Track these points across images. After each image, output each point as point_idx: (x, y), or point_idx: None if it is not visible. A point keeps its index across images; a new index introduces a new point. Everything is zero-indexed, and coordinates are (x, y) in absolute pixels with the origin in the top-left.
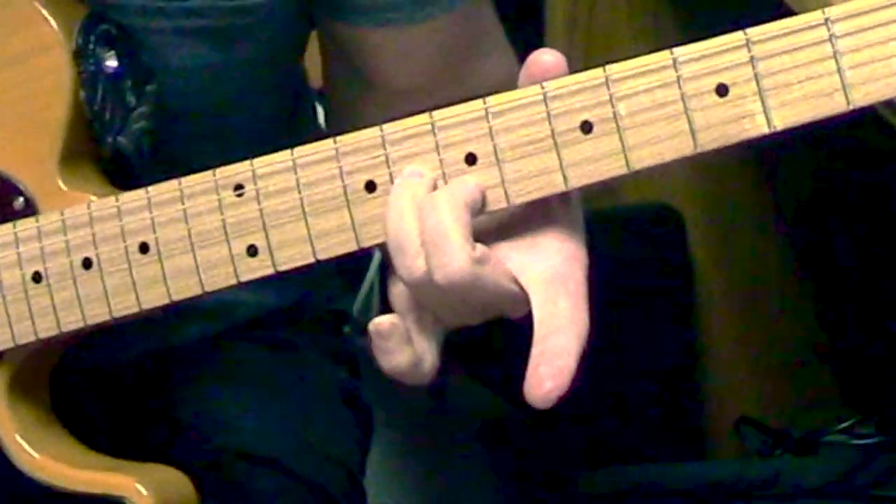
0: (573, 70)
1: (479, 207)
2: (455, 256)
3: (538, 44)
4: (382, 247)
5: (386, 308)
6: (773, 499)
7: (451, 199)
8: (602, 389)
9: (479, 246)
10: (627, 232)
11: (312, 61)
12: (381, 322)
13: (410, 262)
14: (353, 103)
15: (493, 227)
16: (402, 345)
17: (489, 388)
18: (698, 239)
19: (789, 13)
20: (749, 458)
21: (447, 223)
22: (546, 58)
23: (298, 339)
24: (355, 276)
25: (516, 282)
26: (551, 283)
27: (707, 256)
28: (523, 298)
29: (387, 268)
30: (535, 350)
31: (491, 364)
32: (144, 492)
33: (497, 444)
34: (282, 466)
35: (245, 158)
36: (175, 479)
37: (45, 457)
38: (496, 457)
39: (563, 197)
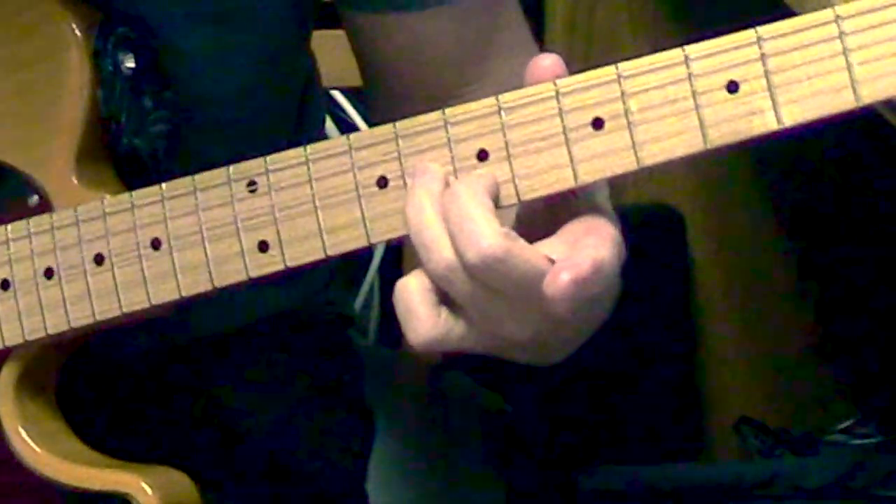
0: (573, 71)
1: (496, 196)
2: (484, 233)
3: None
4: (392, 243)
5: (385, 308)
6: (773, 499)
7: (470, 187)
8: (602, 389)
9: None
10: (627, 232)
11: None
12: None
13: (437, 255)
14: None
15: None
16: (425, 305)
17: (489, 387)
18: (698, 239)
19: (789, 12)
20: (749, 458)
21: (471, 207)
22: (544, 62)
23: (302, 342)
24: (355, 277)
25: (548, 259)
26: (577, 240)
27: (707, 256)
28: None
29: (387, 268)
30: None
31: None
32: (150, 491)
33: (497, 444)
34: (283, 468)
35: (253, 157)
36: (179, 481)
37: (47, 452)
38: (496, 458)
39: (584, 192)
